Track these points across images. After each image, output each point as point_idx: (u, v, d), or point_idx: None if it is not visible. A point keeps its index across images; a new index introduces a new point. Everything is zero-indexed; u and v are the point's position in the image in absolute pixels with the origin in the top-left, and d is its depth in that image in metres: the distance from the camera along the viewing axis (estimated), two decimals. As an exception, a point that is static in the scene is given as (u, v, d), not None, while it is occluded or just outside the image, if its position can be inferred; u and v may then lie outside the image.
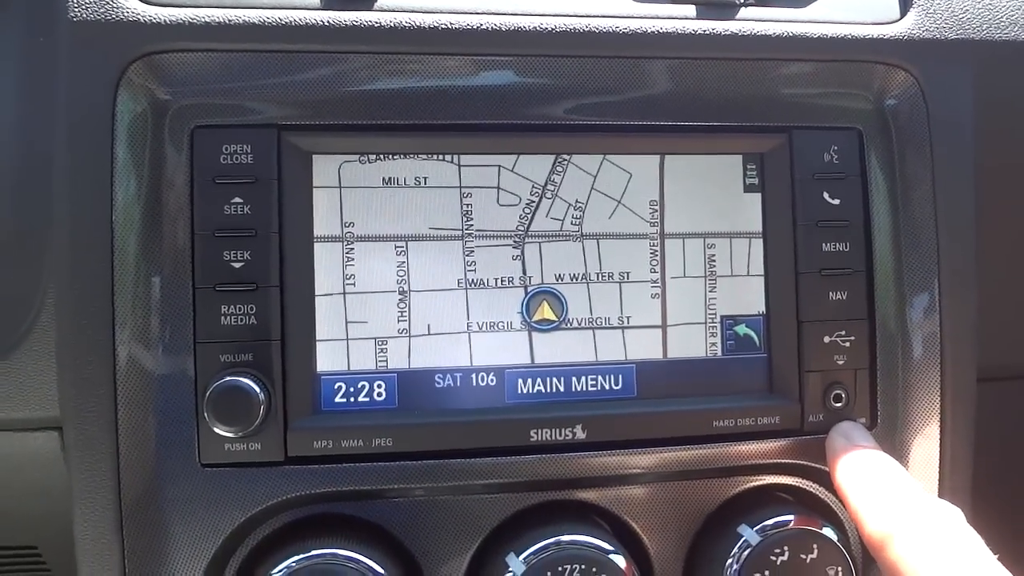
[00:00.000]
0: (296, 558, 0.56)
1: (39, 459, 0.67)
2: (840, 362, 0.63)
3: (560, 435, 0.60)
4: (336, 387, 0.59)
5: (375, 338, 0.60)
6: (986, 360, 0.67)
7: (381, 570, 0.57)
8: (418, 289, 0.60)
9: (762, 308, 0.64)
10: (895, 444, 0.64)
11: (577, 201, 0.62)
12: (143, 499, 0.57)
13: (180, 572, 0.58)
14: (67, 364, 0.57)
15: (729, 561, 0.60)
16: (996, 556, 0.49)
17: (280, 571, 0.56)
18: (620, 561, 0.58)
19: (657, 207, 0.63)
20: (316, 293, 0.59)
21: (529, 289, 0.61)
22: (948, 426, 0.65)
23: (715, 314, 0.63)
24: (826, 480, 0.64)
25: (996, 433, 0.71)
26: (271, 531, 0.59)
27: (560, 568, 0.57)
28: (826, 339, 0.63)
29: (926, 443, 0.65)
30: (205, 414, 0.55)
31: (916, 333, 0.64)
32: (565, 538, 0.58)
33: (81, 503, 0.57)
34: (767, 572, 0.60)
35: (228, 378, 0.55)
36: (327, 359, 0.59)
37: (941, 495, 0.65)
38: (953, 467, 0.65)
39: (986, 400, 0.67)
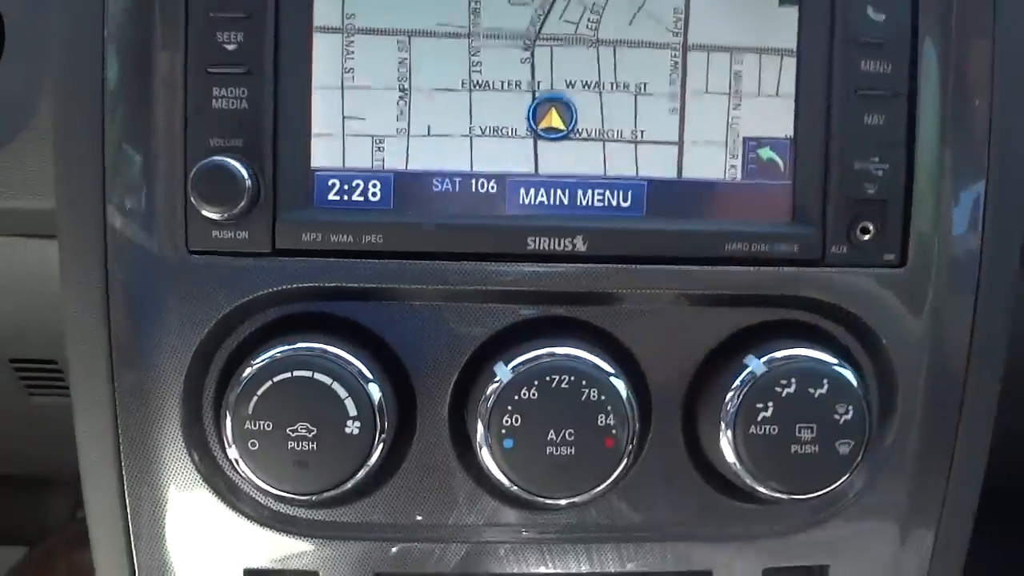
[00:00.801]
0: (280, 349, 0.55)
1: (55, 271, 0.68)
2: (871, 191, 0.58)
3: (559, 245, 0.57)
4: (330, 184, 0.57)
5: (372, 136, 0.57)
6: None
7: (367, 371, 0.55)
8: (420, 88, 0.57)
9: (789, 131, 0.59)
10: (925, 289, 0.59)
11: (594, 3, 0.58)
12: (130, 284, 0.57)
13: (166, 361, 0.57)
14: (60, 146, 0.57)
15: (731, 393, 0.57)
16: None
17: (263, 360, 0.55)
18: (621, 386, 0.56)
19: (682, 15, 0.58)
20: (313, 85, 0.57)
21: (537, 95, 0.58)
22: (987, 271, 0.59)
23: (737, 135, 0.59)
24: (846, 319, 0.59)
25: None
26: (259, 327, 0.58)
27: (549, 378, 0.55)
28: (857, 165, 0.58)
29: (961, 290, 0.60)
30: (191, 194, 0.54)
31: (960, 166, 0.59)
32: (560, 350, 0.56)
33: (67, 286, 0.57)
34: (770, 404, 0.56)
35: (215, 158, 0.53)
36: (322, 154, 0.57)
37: (974, 345, 0.60)
38: (988, 318, 0.60)
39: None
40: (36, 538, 1.38)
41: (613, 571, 0.62)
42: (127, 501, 0.60)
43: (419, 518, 0.60)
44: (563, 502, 0.57)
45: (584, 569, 0.62)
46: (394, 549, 0.61)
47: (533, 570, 0.62)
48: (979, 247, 0.59)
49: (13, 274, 0.71)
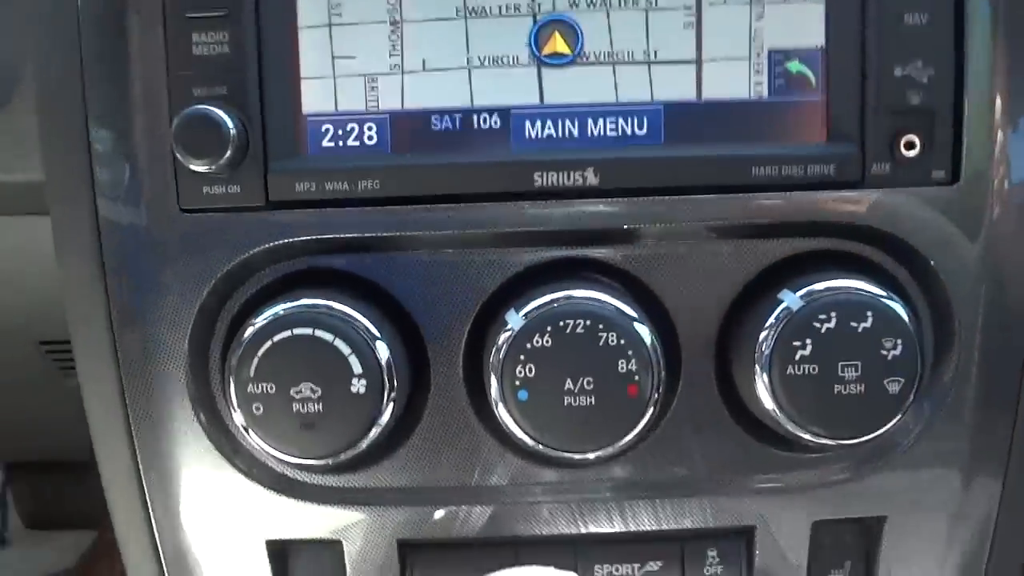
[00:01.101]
0: (282, 307, 0.52)
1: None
2: (915, 101, 0.52)
3: (569, 179, 0.52)
4: (323, 129, 0.54)
5: (365, 75, 0.54)
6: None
7: (372, 327, 0.52)
8: (411, 19, 0.53)
9: (820, 40, 0.53)
10: (980, 208, 0.53)
11: (596, -87, 0.53)
12: (124, 248, 0.54)
13: (168, 325, 0.55)
14: (43, 111, 0.55)
15: (765, 332, 0.52)
16: None
17: (263, 319, 0.52)
18: (644, 331, 0.51)
19: (694, -84, 0.53)
20: (299, 24, 0.53)
21: (538, 17, 0.53)
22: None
23: (761, 48, 0.53)
24: (891, 246, 0.54)
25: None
26: (263, 286, 0.56)
27: (563, 324, 0.51)
28: (898, 71, 0.52)
29: (1020, 208, 0.54)
30: (175, 147, 0.51)
31: (1018, 65, 0.52)
32: (577, 293, 0.52)
33: (62, 255, 0.55)
34: (808, 342, 0.51)
35: (197, 107, 0.51)
36: (313, 98, 0.54)
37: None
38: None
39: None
40: (103, 522, 1.40)
41: (649, 529, 0.58)
42: (141, 474, 0.58)
43: (440, 481, 0.57)
44: (589, 456, 0.53)
45: (618, 528, 0.58)
46: (416, 514, 0.58)
47: (564, 530, 0.58)
48: (1042, 156, 0.53)
49: (35, 253, 0.70)
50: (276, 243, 0.53)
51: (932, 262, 0.53)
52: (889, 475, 0.57)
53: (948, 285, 0.54)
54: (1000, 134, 0.53)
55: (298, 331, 0.51)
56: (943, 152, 0.52)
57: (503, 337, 0.52)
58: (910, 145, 0.52)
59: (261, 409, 0.52)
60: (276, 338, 0.51)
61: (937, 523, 0.58)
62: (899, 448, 0.56)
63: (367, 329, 0.52)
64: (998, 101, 0.52)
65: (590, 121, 0.54)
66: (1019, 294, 0.55)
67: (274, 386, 0.51)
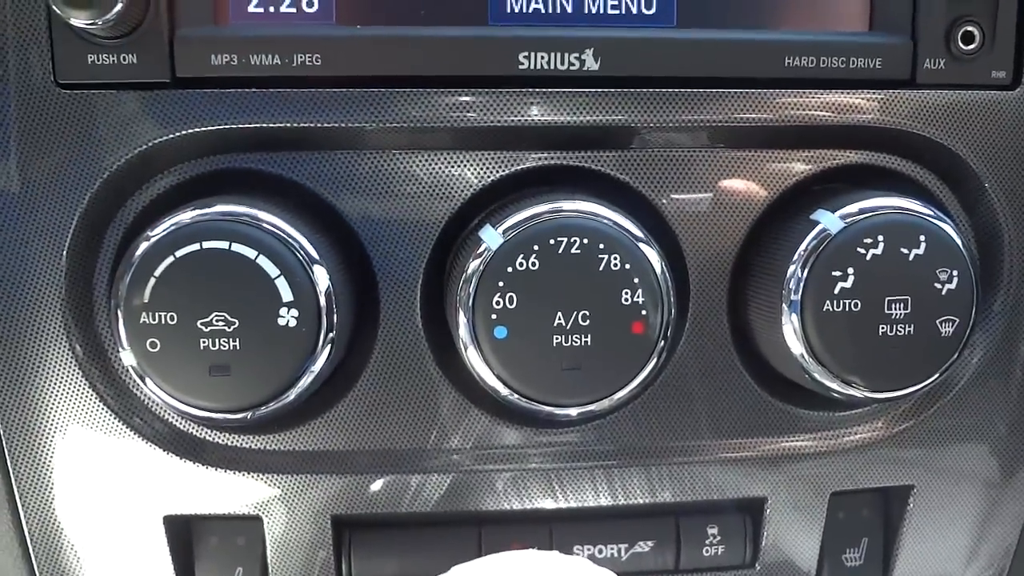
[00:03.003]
0: (188, 215, 0.40)
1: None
2: (977, -18, 0.43)
3: (562, 62, 0.42)
4: (248, -11, 0.42)
5: (303, -78, 0.42)
6: None
7: (308, 245, 0.41)
8: None
9: (866, -90, 0.44)
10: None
11: None
12: (-17, 132, 0.42)
13: (39, 238, 0.42)
14: None
15: (795, 262, 0.42)
16: None
17: (162, 230, 0.40)
18: (653, 257, 0.41)
19: None
20: None
21: None
22: None
23: (796, -87, 0.44)
24: (945, 160, 0.45)
25: None
26: (164, 191, 0.43)
27: (553, 242, 0.40)
28: (958, -51, 0.43)
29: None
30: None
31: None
32: (569, 205, 0.41)
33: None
34: (851, 271, 0.42)
35: (78, -60, 0.38)
36: (235, -51, 0.42)
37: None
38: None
39: None
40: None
41: (641, 502, 0.48)
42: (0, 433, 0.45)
43: (386, 443, 0.46)
44: (575, 412, 0.43)
45: (604, 502, 0.48)
46: (355, 484, 0.47)
47: (538, 505, 0.48)
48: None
49: None
50: (184, 132, 0.41)
51: (987, 184, 0.45)
52: (923, 437, 0.48)
53: (999, 206, 0.46)
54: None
55: (209, 244, 0.40)
56: (1005, 47, 0.45)
57: (476, 261, 0.41)
58: (968, 38, 0.44)
59: (158, 346, 0.40)
60: (179, 253, 0.40)
61: (970, 496, 0.50)
62: (938, 404, 0.48)
63: (301, 246, 0.41)
64: (1072, -11, 0.44)
65: (587, -6, 0.43)
66: None
67: (175, 316, 0.40)
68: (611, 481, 0.48)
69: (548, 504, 0.48)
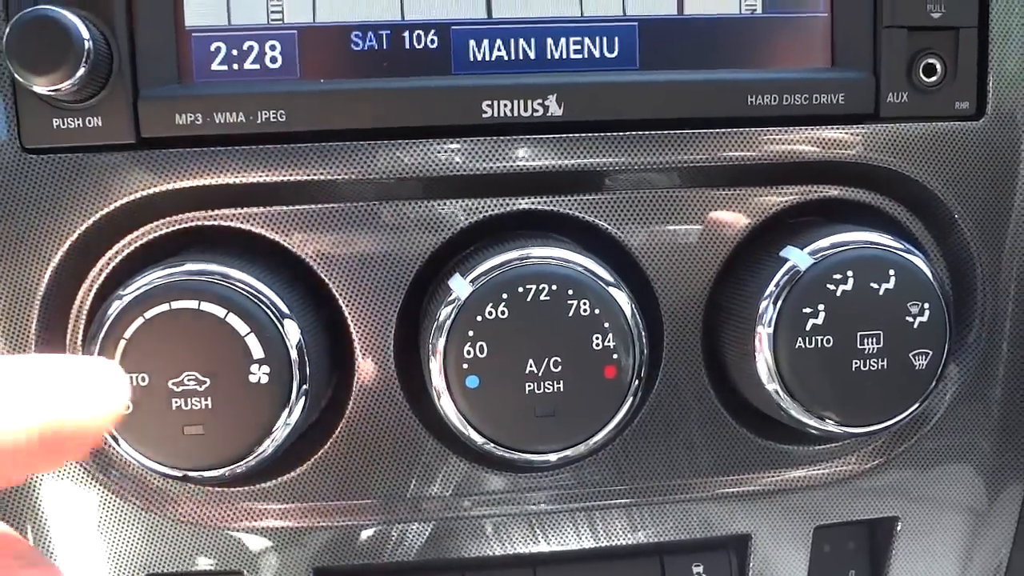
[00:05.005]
0: (162, 273, 0.40)
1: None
2: (936, 15, 0.44)
3: (525, 109, 0.42)
4: (213, 48, 0.43)
5: (265, -21, 0.42)
6: None
7: (279, 300, 0.40)
8: (324, -91, 0.42)
9: (823, -55, 0.44)
10: (1010, 145, 0.46)
11: None
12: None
13: (9, 302, 0.42)
14: None
15: (767, 299, 0.42)
16: None
17: (133, 290, 0.40)
18: (623, 299, 0.41)
19: None
20: (178, -86, 0.42)
21: (484, -89, 0.43)
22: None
23: (753, -47, 0.44)
24: (914, 192, 0.45)
25: None
26: (133, 250, 0.44)
27: (522, 289, 0.40)
28: (916, -18, 0.43)
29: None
30: (9, 61, 0.38)
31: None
32: (537, 251, 0.41)
33: None
34: (821, 307, 0.42)
35: (38, 7, 0.38)
36: (198, 7, 0.42)
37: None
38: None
39: None
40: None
41: (624, 543, 0.48)
42: None
43: (366, 494, 0.46)
44: (552, 458, 0.42)
45: (587, 544, 0.48)
46: (337, 536, 0.47)
47: (521, 549, 0.48)
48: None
49: None
50: (151, 192, 0.41)
51: (953, 210, 0.45)
52: (905, 468, 0.48)
53: (970, 236, 0.46)
54: (1032, 59, 0.45)
55: (178, 304, 0.40)
56: (967, 79, 0.45)
57: (446, 310, 0.41)
58: (930, 70, 0.44)
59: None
60: (149, 314, 0.39)
61: (955, 524, 0.50)
62: (918, 435, 0.47)
63: (271, 302, 0.41)
64: (1028, 20, 0.45)
65: (549, 40, 0.43)
66: None
67: (147, 376, 0.39)
68: (593, 523, 0.48)
69: (531, 548, 0.48)
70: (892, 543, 0.50)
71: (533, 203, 0.44)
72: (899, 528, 0.50)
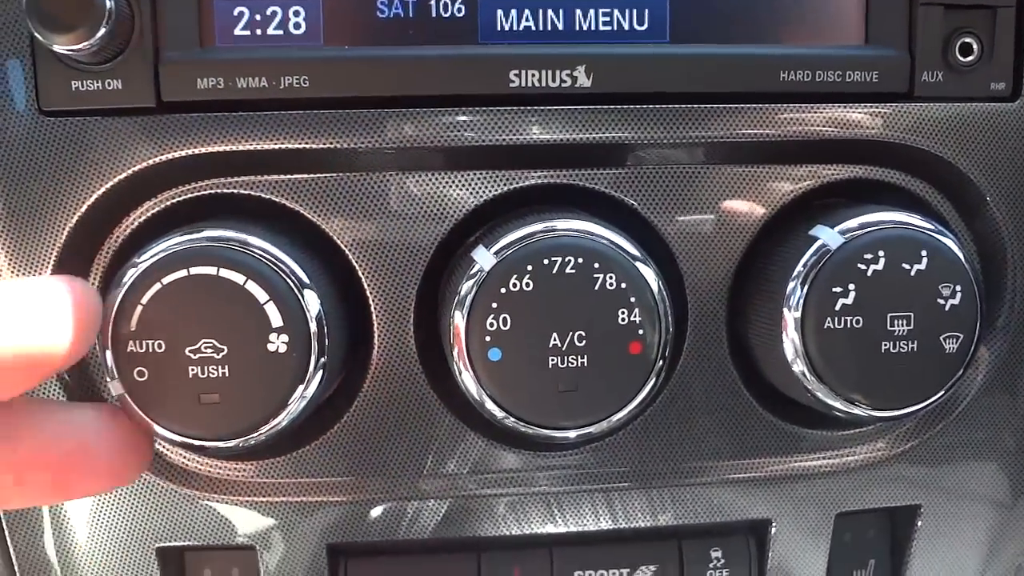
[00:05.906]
0: (180, 239, 0.39)
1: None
2: (973, -4, 0.43)
3: (553, 79, 0.41)
4: (236, 13, 0.42)
5: (290, -57, 0.42)
6: None
7: (298, 268, 0.40)
8: None
9: (858, -80, 0.44)
10: (1045, 131, 0.45)
11: None
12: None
13: (22, 268, 0.42)
14: None
15: (795, 278, 0.42)
16: None
17: (149, 257, 0.39)
18: (650, 275, 0.40)
19: None
20: None
21: None
22: None
23: (788, -73, 0.43)
24: (945, 174, 0.45)
25: None
26: (152, 216, 0.43)
27: (547, 262, 0.39)
28: (953, -44, 0.43)
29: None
30: (29, 19, 0.38)
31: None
32: (563, 224, 0.40)
33: None
34: (851, 288, 0.41)
35: (60, -35, 0.38)
36: (221, -29, 0.41)
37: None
38: None
39: None
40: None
41: (644, 526, 0.47)
42: None
43: (382, 470, 0.45)
44: (573, 435, 0.42)
45: (604, 525, 0.47)
46: (352, 512, 0.46)
47: (538, 529, 0.47)
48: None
49: None
50: (170, 157, 0.41)
51: (985, 193, 0.44)
52: (930, 456, 0.47)
53: (1001, 219, 0.45)
54: (1072, 39, 0.44)
55: (197, 270, 0.39)
56: (1004, 59, 0.44)
57: (469, 283, 0.40)
58: (966, 50, 0.43)
59: (145, 375, 0.39)
60: (166, 280, 0.39)
61: (979, 515, 0.49)
62: (944, 421, 0.47)
63: (291, 271, 0.40)
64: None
65: (578, 11, 0.43)
66: None
67: (163, 344, 0.39)
68: (612, 504, 0.47)
69: (548, 528, 0.47)
70: (914, 532, 0.49)
71: (558, 176, 0.43)
72: (921, 517, 0.49)
